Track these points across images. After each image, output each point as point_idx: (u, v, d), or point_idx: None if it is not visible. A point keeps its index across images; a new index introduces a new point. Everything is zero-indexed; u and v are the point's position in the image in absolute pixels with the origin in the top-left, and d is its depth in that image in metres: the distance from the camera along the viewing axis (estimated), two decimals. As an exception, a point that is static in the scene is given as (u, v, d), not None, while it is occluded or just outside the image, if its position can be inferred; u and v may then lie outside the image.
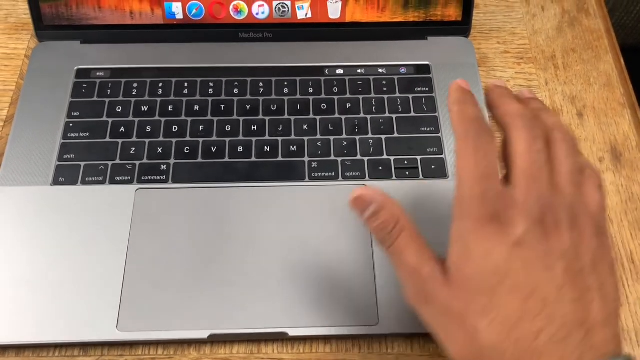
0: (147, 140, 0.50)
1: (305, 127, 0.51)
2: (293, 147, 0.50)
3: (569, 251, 0.32)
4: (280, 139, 0.51)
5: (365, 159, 0.50)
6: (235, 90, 0.53)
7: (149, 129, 0.51)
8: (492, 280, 0.31)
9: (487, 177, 0.33)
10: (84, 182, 0.48)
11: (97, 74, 0.54)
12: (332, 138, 0.51)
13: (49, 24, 0.55)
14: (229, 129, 0.51)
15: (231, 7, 0.55)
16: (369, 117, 0.52)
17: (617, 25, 1.06)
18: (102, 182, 0.48)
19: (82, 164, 0.49)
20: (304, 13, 0.55)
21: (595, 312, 0.31)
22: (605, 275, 0.33)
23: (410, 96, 0.53)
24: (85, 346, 0.43)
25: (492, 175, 0.33)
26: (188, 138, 0.51)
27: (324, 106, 0.53)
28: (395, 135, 0.51)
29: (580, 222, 0.33)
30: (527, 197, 0.32)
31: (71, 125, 0.51)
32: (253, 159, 0.50)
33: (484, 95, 0.38)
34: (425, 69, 0.55)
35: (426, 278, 0.33)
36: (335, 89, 0.54)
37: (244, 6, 0.55)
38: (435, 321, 0.33)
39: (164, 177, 0.49)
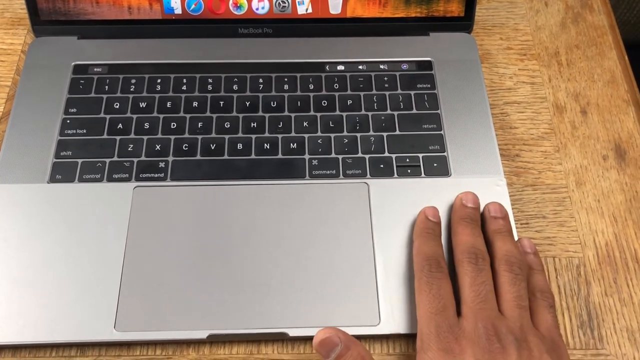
0: (145, 137, 0.50)
1: (305, 124, 0.51)
2: (293, 144, 0.50)
3: None
4: (280, 136, 0.50)
5: (367, 156, 0.49)
6: (235, 87, 0.53)
7: (147, 125, 0.50)
8: None
9: (439, 312, 0.38)
10: (81, 180, 0.48)
11: (95, 69, 0.53)
12: (332, 135, 0.50)
13: (45, 18, 0.54)
14: (228, 125, 0.50)
15: (230, 2, 0.54)
16: (370, 114, 0.51)
17: (620, 22, 1.05)
18: (100, 180, 0.48)
19: (80, 161, 0.48)
20: (304, 8, 0.55)
21: None
22: None
23: (412, 93, 0.53)
24: (82, 346, 0.42)
25: (445, 309, 0.38)
26: (187, 135, 0.50)
27: (324, 103, 0.52)
28: (397, 132, 0.51)
29: (529, 342, 0.37)
30: (474, 327, 0.37)
31: (68, 121, 0.50)
32: (253, 156, 0.49)
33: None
34: (427, 65, 0.54)
35: None
36: (336, 86, 0.53)
37: (243, 1, 0.54)
38: None
39: (162, 175, 0.48)
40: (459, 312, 0.39)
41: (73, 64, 0.54)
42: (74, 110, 0.51)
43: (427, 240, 0.43)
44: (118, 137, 0.50)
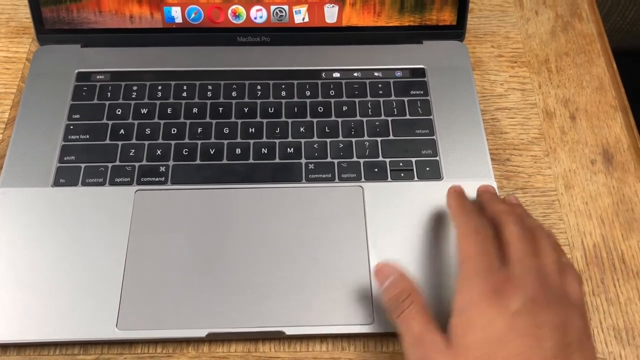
0: (146, 142, 0.51)
1: (302, 129, 0.52)
2: (290, 149, 0.51)
3: (560, 326, 0.35)
4: (277, 141, 0.52)
5: (361, 160, 0.51)
6: (234, 93, 0.54)
7: (148, 131, 0.52)
8: (491, 349, 0.34)
9: (488, 254, 0.38)
10: (84, 184, 0.49)
11: (98, 77, 0.55)
12: (328, 140, 0.52)
13: (50, 27, 0.56)
14: (227, 131, 0.52)
15: (229, 11, 0.56)
16: (365, 119, 0.53)
17: (613, 30, 1.07)
18: (102, 184, 0.49)
19: (83, 165, 0.50)
20: (301, 17, 0.56)
21: None
22: (588, 353, 0.36)
23: (406, 99, 0.54)
24: (85, 345, 0.43)
25: (493, 254, 0.38)
26: (187, 140, 0.51)
27: (320, 109, 0.53)
28: (391, 137, 0.52)
29: (567, 304, 0.37)
30: (523, 275, 0.37)
31: (72, 127, 0.52)
32: (251, 160, 0.51)
33: (476, 196, 0.45)
34: (421, 72, 0.56)
35: (428, 346, 0.36)
36: (332, 92, 0.54)
37: (242, 10, 0.56)
38: None
39: (162, 179, 0.49)
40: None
41: (76, 71, 0.55)
42: (77, 116, 0.53)
43: (467, 202, 0.43)
44: (120, 143, 0.51)
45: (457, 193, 0.44)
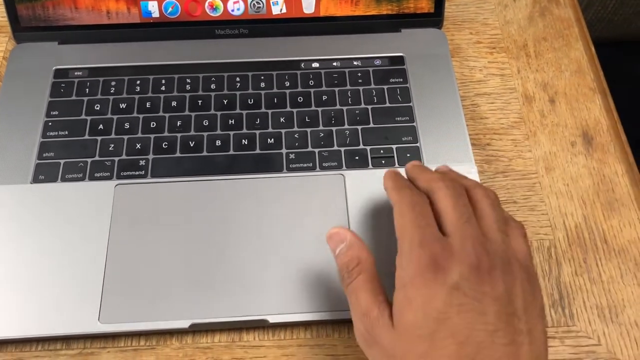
0: (125, 137, 0.51)
1: (282, 119, 0.52)
2: (271, 139, 0.51)
3: (502, 296, 0.33)
4: (257, 132, 0.51)
5: (342, 149, 0.51)
6: (213, 86, 0.54)
7: (127, 125, 0.52)
8: (431, 327, 0.33)
9: (424, 226, 0.35)
10: (63, 179, 0.49)
11: (75, 73, 0.55)
12: (309, 130, 0.52)
13: (26, 25, 0.55)
14: (207, 123, 0.52)
15: (206, 4, 0.56)
16: (345, 108, 0.53)
17: (594, 19, 1.08)
18: (82, 179, 0.49)
19: (62, 161, 0.49)
20: (278, 8, 0.56)
21: (523, 355, 0.33)
22: (534, 320, 0.34)
23: (385, 87, 0.54)
24: (67, 339, 0.43)
25: (430, 225, 0.36)
26: (166, 133, 0.51)
27: (300, 99, 0.53)
28: (371, 125, 0.52)
29: (512, 267, 0.35)
30: (463, 243, 0.34)
31: (50, 124, 0.52)
32: (231, 152, 0.50)
33: (406, 172, 0.42)
34: (399, 60, 0.56)
35: (374, 321, 0.35)
36: (311, 82, 0.54)
37: (219, 3, 0.56)
38: None
39: (142, 173, 0.49)
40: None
41: (54, 68, 0.55)
42: (55, 113, 0.52)
43: (402, 179, 0.40)
44: (99, 138, 0.51)
45: (391, 173, 0.41)
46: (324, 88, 0.54)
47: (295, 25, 0.57)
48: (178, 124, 0.52)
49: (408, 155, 0.50)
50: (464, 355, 0.32)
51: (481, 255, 0.34)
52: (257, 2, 0.56)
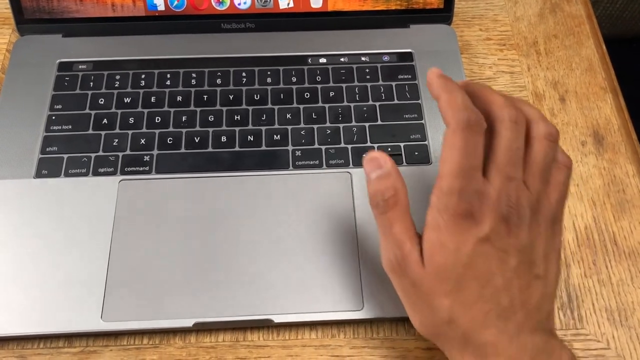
0: (130, 132, 0.50)
1: (288, 116, 0.51)
2: (277, 136, 0.50)
3: (525, 247, 0.36)
4: (263, 128, 0.51)
5: (349, 146, 0.50)
6: (218, 81, 0.53)
7: (131, 120, 0.51)
8: (459, 271, 0.35)
9: (468, 173, 0.35)
10: (67, 175, 0.48)
11: (80, 66, 0.54)
12: (315, 126, 0.51)
13: (30, 17, 0.55)
14: (212, 119, 0.51)
15: (213, -3, 0.55)
16: (352, 105, 0.52)
17: (603, 16, 1.06)
18: (86, 174, 0.48)
19: (65, 156, 0.49)
20: (286, 3, 0.55)
21: (536, 296, 0.36)
22: (551, 264, 0.37)
23: (393, 84, 0.53)
24: (70, 337, 0.43)
25: (474, 170, 0.35)
26: (171, 129, 0.51)
27: (307, 95, 0.53)
28: (379, 122, 0.51)
29: (540, 216, 0.37)
30: (499, 195, 0.35)
31: (54, 118, 0.51)
32: (237, 148, 0.50)
33: (466, 85, 0.39)
34: (408, 56, 0.55)
35: (407, 253, 0.36)
36: (319, 78, 0.54)
37: (225, -3, 0.55)
38: (406, 292, 0.37)
39: (147, 168, 0.49)
40: (484, 174, 0.36)
41: (58, 61, 0.54)
42: (59, 106, 0.52)
43: (455, 92, 0.37)
44: (103, 132, 0.50)
45: (442, 79, 0.38)
46: (331, 84, 0.53)
47: (303, 20, 0.56)
48: (183, 119, 0.51)
49: (416, 153, 0.50)
50: (483, 295, 0.35)
51: (513, 210, 0.35)
52: (264, -4, 0.55)
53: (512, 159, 0.36)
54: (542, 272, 0.36)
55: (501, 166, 0.36)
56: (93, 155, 0.49)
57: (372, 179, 0.37)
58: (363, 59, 0.55)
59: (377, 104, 0.52)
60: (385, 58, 0.55)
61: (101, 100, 0.52)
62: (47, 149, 0.49)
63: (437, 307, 0.36)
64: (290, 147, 0.50)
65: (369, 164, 0.37)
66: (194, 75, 0.53)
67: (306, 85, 0.53)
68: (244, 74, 0.54)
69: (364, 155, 0.38)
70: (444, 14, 0.57)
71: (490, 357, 0.35)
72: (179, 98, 0.52)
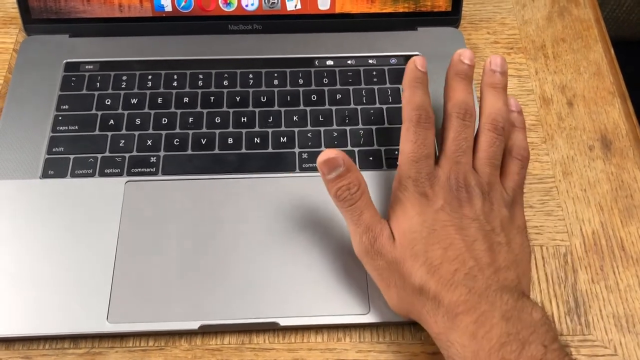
0: (136, 133, 0.50)
1: (295, 118, 0.51)
2: (283, 138, 0.50)
3: (479, 217, 0.40)
4: (270, 130, 0.51)
5: (356, 149, 0.50)
6: (225, 82, 0.53)
7: (138, 121, 0.51)
8: (423, 233, 0.39)
9: (421, 160, 0.41)
10: (73, 175, 0.48)
11: (86, 67, 0.54)
12: (322, 129, 0.51)
13: (37, 17, 0.55)
14: (219, 120, 0.51)
15: (220, -1, 0.55)
16: (359, 107, 0.52)
17: (609, 18, 1.06)
18: (92, 175, 0.48)
19: (72, 156, 0.49)
20: (293, 4, 0.55)
21: (502, 258, 0.39)
22: (513, 234, 0.41)
23: (400, 87, 0.53)
24: (75, 338, 0.42)
25: (427, 157, 0.41)
26: (177, 130, 0.50)
27: (314, 97, 0.53)
28: (386, 125, 0.51)
29: (492, 197, 0.41)
30: (447, 177, 0.41)
31: (60, 118, 0.51)
32: (243, 150, 0.50)
33: (447, 75, 0.45)
34: (415, 59, 0.55)
35: (378, 233, 0.40)
36: (326, 80, 0.54)
37: (233, -2, 0.55)
38: (381, 271, 0.40)
39: (153, 170, 0.48)
40: (437, 162, 0.42)
41: (65, 61, 0.54)
42: (65, 107, 0.52)
43: (416, 90, 0.43)
44: (110, 133, 0.50)
45: (414, 72, 0.44)
46: (338, 86, 0.53)
47: (310, 22, 0.56)
48: (190, 120, 0.51)
49: (423, 156, 0.49)
50: (447, 257, 0.38)
51: (461, 187, 0.41)
52: (271, -2, 0.55)
53: (459, 147, 0.42)
54: (503, 240, 0.40)
55: (449, 153, 0.42)
56: (99, 156, 0.49)
57: (333, 177, 0.40)
58: (370, 61, 0.55)
59: (384, 106, 0.52)
60: (393, 61, 0.55)
61: (108, 101, 0.52)
62: (54, 149, 0.49)
63: (408, 274, 0.39)
64: (296, 150, 0.50)
65: (325, 166, 0.40)
66: (200, 76, 0.53)
67: (313, 87, 0.53)
68: (250, 76, 0.54)
69: (318, 158, 0.40)
70: (451, 17, 0.57)
71: (461, 315, 0.36)
72: (186, 99, 0.52)
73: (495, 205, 0.41)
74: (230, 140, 0.50)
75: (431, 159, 0.42)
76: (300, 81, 0.53)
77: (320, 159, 0.40)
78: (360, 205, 0.40)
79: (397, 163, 0.42)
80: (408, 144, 0.42)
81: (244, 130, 0.51)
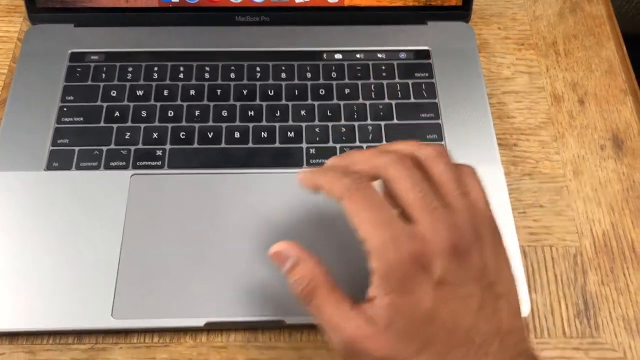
0: (142, 125, 0.50)
1: (303, 112, 0.51)
2: (291, 133, 0.50)
3: (479, 271, 0.33)
4: (277, 124, 0.50)
5: (364, 145, 0.49)
6: (232, 75, 0.52)
7: (144, 113, 0.50)
8: (422, 327, 0.32)
9: (390, 222, 0.33)
10: (78, 168, 0.47)
11: (92, 57, 0.53)
12: (330, 124, 0.50)
13: (41, 6, 0.54)
14: (226, 114, 0.50)
15: (228, -10, 0.54)
16: (367, 102, 0.51)
17: (618, 14, 1.05)
18: (97, 168, 0.47)
19: (77, 149, 0.48)
20: (302, -4, 0.54)
21: (505, 320, 0.33)
22: (506, 275, 0.34)
23: (410, 82, 0.52)
24: (79, 334, 0.42)
25: (394, 219, 0.33)
26: (184, 123, 0.50)
27: (322, 91, 0.52)
28: (395, 121, 0.50)
29: (481, 230, 0.34)
30: (435, 230, 0.32)
31: (65, 109, 0.50)
32: (250, 144, 0.49)
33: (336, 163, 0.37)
34: (425, 54, 0.54)
35: (353, 336, 0.32)
36: (334, 74, 0.53)
37: (241, -11, 0.54)
38: None
39: (159, 163, 0.48)
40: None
41: (70, 51, 0.53)
42: (70, 98, 0.51)
43: (334, 172, 0.36)
44: (115, 125, 0.49)
45: (314, 170, 0.37)
46: (346, 81, 0.53)
47: (319, 15, 0.55)
48: (196, 113, 0.50)
49: (432, 154, 0.49)
50: (454, 341, 0.32)
51: (456, 237, 0.32)
52: (280, -11, 0.54)
53: (423, 193, 0.33)
54: (502, 289, 0.34)
55: (416, 203, 0.33)
56: (105, 148, 0.48)
57: (285, 273, 0.35)
58: (379, 55, 0.54)
59: (393, 102, 0.51)
60: (402, 55, 0.54)
61: (113, 93, 0.51)
62: (59, 141, 0.48)
63: None
64: (304, 145, 0.49)
65: (275, 260, 0.35)
66: (207, 68, 0.53)
67: (321, 81, 0.52)
68: (258, 69, 0.53)
69: (269, 253, 0.36)
70: (462, 12, 0.56)
71: None
72: (192, 92, 0.51)
73: (487, 238, 0.34)
74: (237, 134, 0.49)
75: (399, 219, 0.33)
76: (308, 75, 0.53)
77: (270, 251, 0.36)
78: (317, 303, 0.34)
79: (364, 246, 0.34)
80: (361, 215, 0.34)
81: (250, 124, 0.50)
